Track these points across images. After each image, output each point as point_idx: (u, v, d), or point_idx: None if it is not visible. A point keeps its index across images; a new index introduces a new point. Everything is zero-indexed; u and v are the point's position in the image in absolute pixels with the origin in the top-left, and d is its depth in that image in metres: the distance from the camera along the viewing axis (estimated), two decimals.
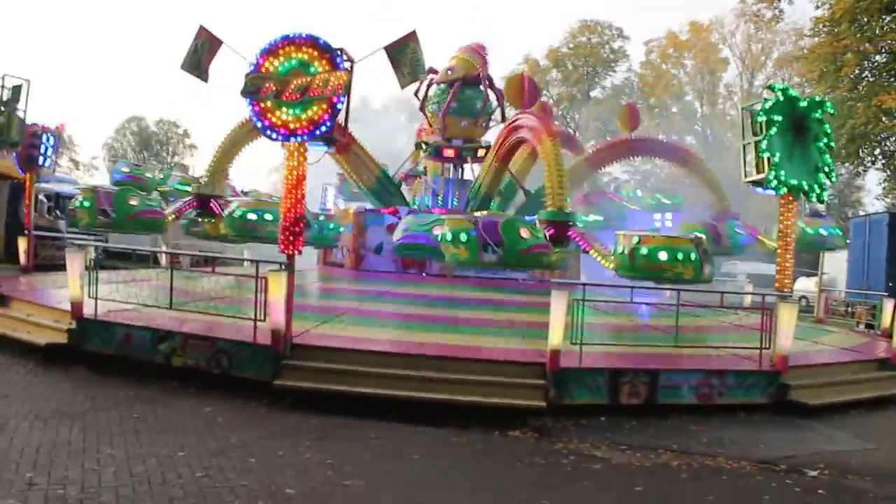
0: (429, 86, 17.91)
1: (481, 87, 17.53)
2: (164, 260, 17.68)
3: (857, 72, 24.30)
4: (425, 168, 19.30)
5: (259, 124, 8.52)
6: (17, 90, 11.91)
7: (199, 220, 15.34)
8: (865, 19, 23.22)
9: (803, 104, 9.89)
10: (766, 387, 9.08)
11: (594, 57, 53.10)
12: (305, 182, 8.73)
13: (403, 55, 9.69)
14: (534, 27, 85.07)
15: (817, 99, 10.43)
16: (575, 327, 8.68)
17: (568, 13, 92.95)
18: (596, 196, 19.58)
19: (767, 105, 9.60)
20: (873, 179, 35.08)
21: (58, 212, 20.73)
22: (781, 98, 9.70)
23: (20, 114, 11.98)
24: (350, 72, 8.57)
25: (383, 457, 6.50)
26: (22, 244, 15.38)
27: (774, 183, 9.53)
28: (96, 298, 9.41)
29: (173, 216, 15.18)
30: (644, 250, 10.66)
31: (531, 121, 14.25)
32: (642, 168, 49.87)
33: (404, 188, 20.09)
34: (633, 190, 22.44)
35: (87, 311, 9.29)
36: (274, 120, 8.42)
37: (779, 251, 9.96)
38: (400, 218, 14.93)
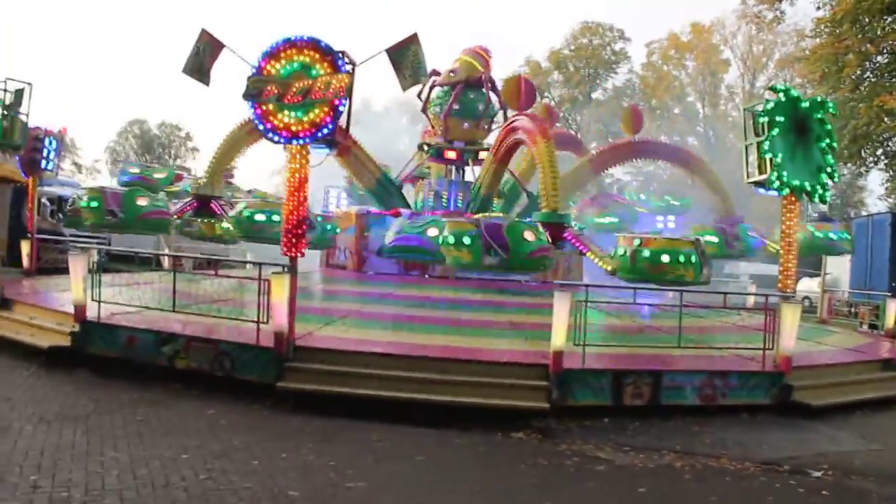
0: (431, 88, 17.92)
1: (483, 90, 17.53)
2: (166, 262, 17.70)
3: (858, 72, 24.30)
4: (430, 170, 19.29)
5: (261, 127, 8.54)
6: (19, 94, 11.93)
7: (194, 220, 15.32)
8: (867, 20, 23.21)
9: (805, 105, 9.88)
10: (769, 388, 9.07)
11: (595, 58, 53.17)
12: (308, 184, 8.74)
13: (405, 58, 9.69)
14: (535, 29, 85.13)
15: (819, 99, 10.42)
16: (578, 328, 8.67)
17: (569, 15, 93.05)
18: (603, 198, 19.55)
19: (769, 106, 9.60)
20: (875, 180, 35.09)
21: (60, 215, 20.76)
22: (783, 99, 9.70)
23: (23, 117, 12.00)
24: (352, 74, 8.58)
25: (386, 459, 6.50)
26: (25, 247, 15.42)
27: (777, 184, 9.52)
28: (99, 301, 9.43)
29: (175, 216, 15.20)
30: (646, 253, 10.66)
31: (527, 122, 14.23)
32: (645, 170, 49.84)
33: (411, 190, 20.07)
34: (635, 192, 22.41)
35: (91, 313, 9.31)
36: (276, 123, 8.44)
37: (781, 252, 9.96)
38: None
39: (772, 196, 10.29)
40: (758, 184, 9.87)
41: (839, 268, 22.98)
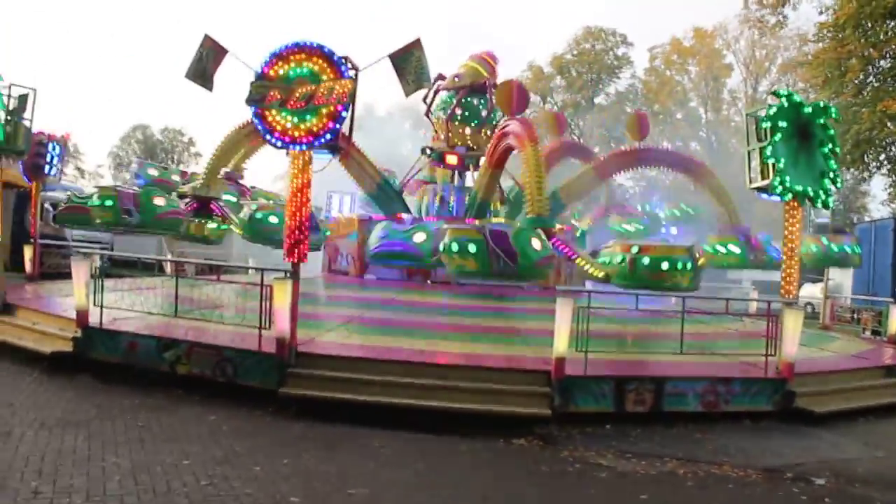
0: (436, 92, 17.93)
1: (487, 95, 17.53)
2: (168, 268, 17.71)
3: (861, 77, 24.27)
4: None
5: (264, 132, 8.54)
6: (23, 99, 11.96)
7: (187, 220, 15.28)
8: (870, 25, 23.20)
9: (808, 110, 9.86)
10: (772, 394, 9.05)
11: (598, 64, 53.19)
12: (310, 189, 8.74)
13: (408, 63, 9.71)
14: (537, 31, 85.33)
15: (822, 104, 10.38)
16: (580, 335, 8.66)
17: (572, 20, 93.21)
18: (616, 209, 19.39)
19: (772, 111, 9.59)
20: (879, 185, 34.96)
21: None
22: (786, 104, 9.68)
23: (26, 123, 12.03)
24: (355, 80, 8.59)
25: (388, 465, 6.49)
26: (28, 252, 15.44)
27: (779, 189, 9.51)
28: (102, 307, 9.44)
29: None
30: (646, 260, 10.62)
31: (516, 126, 14.18)
32: (648, 175, 49.77)
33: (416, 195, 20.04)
34: (647, 203, 22.26)
35: (93, 319, 9.32)
36: (278, 128, 8.44)
37: (784, 257, 9.93)
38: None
39: (774, 201, 10.27)
40: (760, 189, 9.85)
41: (842, 274, 22.90)
